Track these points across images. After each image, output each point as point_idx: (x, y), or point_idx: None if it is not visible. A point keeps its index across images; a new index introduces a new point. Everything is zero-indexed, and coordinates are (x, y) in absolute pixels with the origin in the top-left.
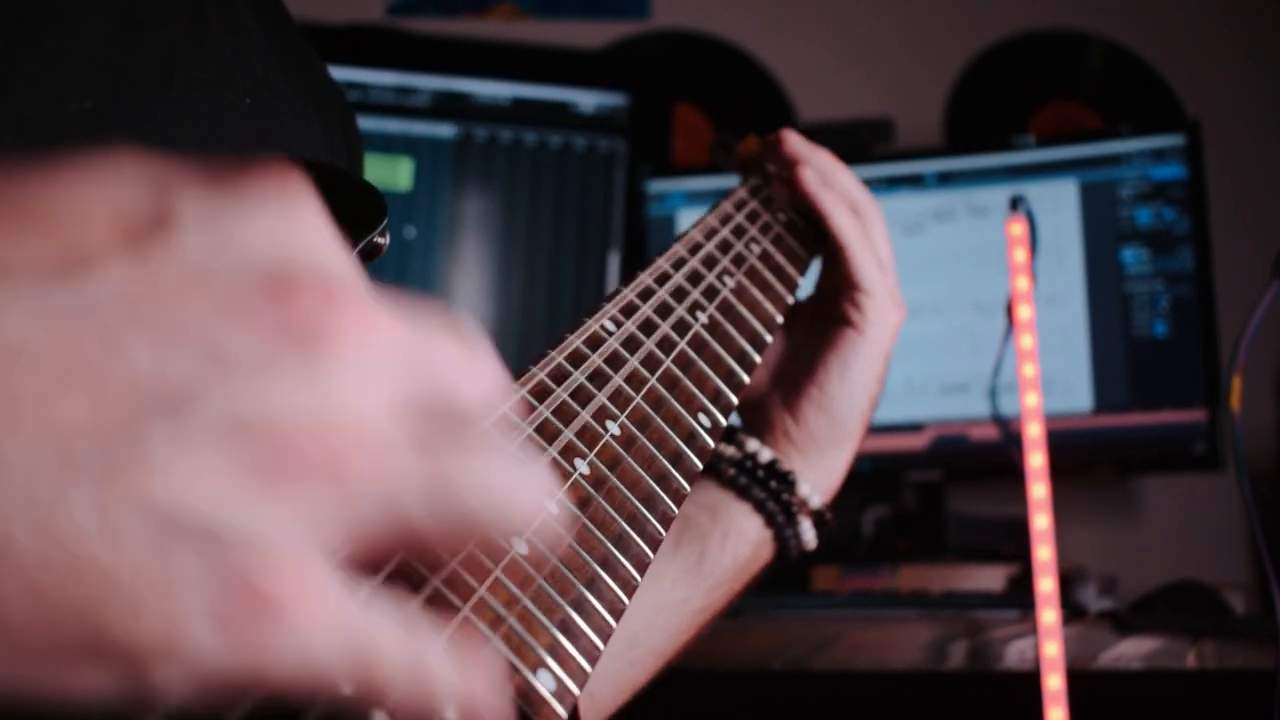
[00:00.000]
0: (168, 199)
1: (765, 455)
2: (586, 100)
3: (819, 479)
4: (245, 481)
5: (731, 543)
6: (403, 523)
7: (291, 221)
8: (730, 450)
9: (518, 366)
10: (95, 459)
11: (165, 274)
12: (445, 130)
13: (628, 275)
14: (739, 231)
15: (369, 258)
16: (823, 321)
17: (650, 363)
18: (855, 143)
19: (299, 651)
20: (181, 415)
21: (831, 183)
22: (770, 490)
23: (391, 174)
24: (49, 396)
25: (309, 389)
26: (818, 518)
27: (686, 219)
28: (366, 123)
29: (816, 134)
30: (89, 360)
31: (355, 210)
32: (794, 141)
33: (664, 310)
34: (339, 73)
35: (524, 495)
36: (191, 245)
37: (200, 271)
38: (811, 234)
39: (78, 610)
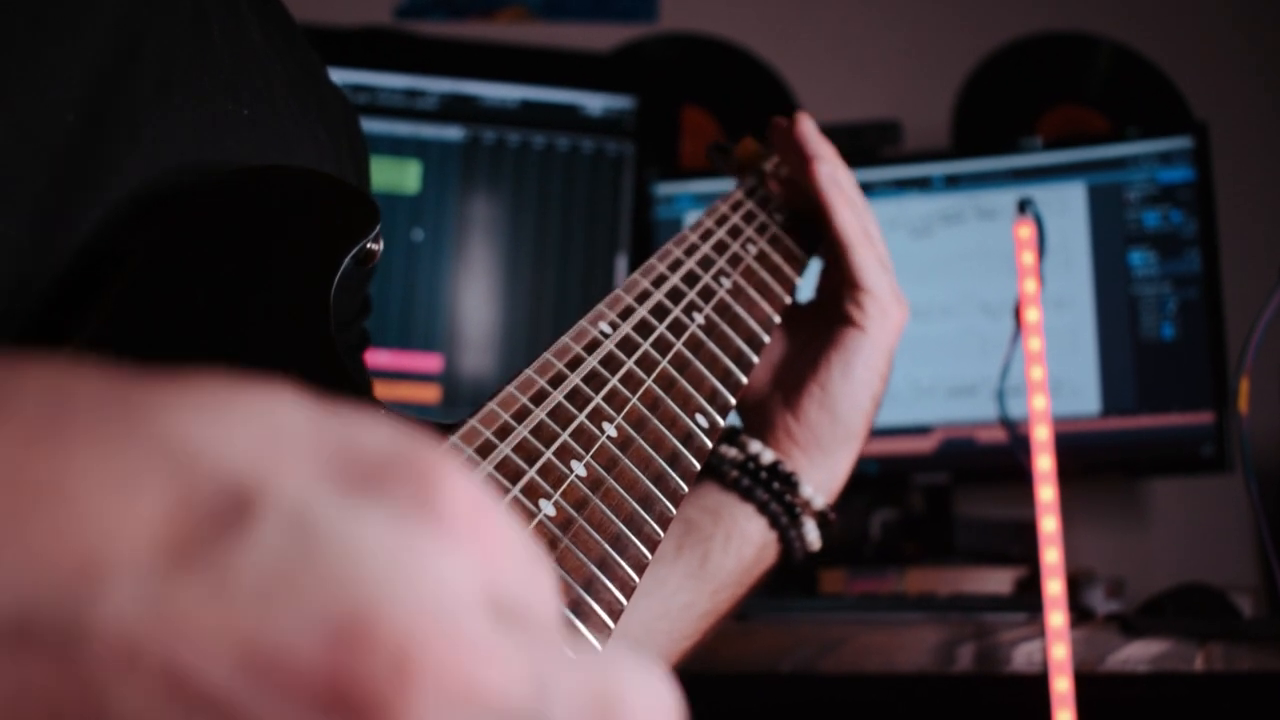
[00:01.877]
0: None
1: (768, 457)
2: (594, 103)
3: (822, 479)
4: None
5: (735, 545)
6: None
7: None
8: (732, 452)
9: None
10: None
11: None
12: (453, 133)
13: (626, 278)
14: (735, 232)
15: (363, 263)
16: (825, 321)
17: (646, 364)
18: (862, 145)
19: None
20: None
21: (840, 178)
22: (773, 492)
23: (400, 176)
24: None
25: None
26: (821, 519)
27: (694, 221)
28: (374, 125)
29: (824, 136)
30: None
31: (351, 217)
32: (808, 132)
33: (660, 312)
34: (347, 75)
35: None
36: (260, 557)
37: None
38: (809, 234)
39: None
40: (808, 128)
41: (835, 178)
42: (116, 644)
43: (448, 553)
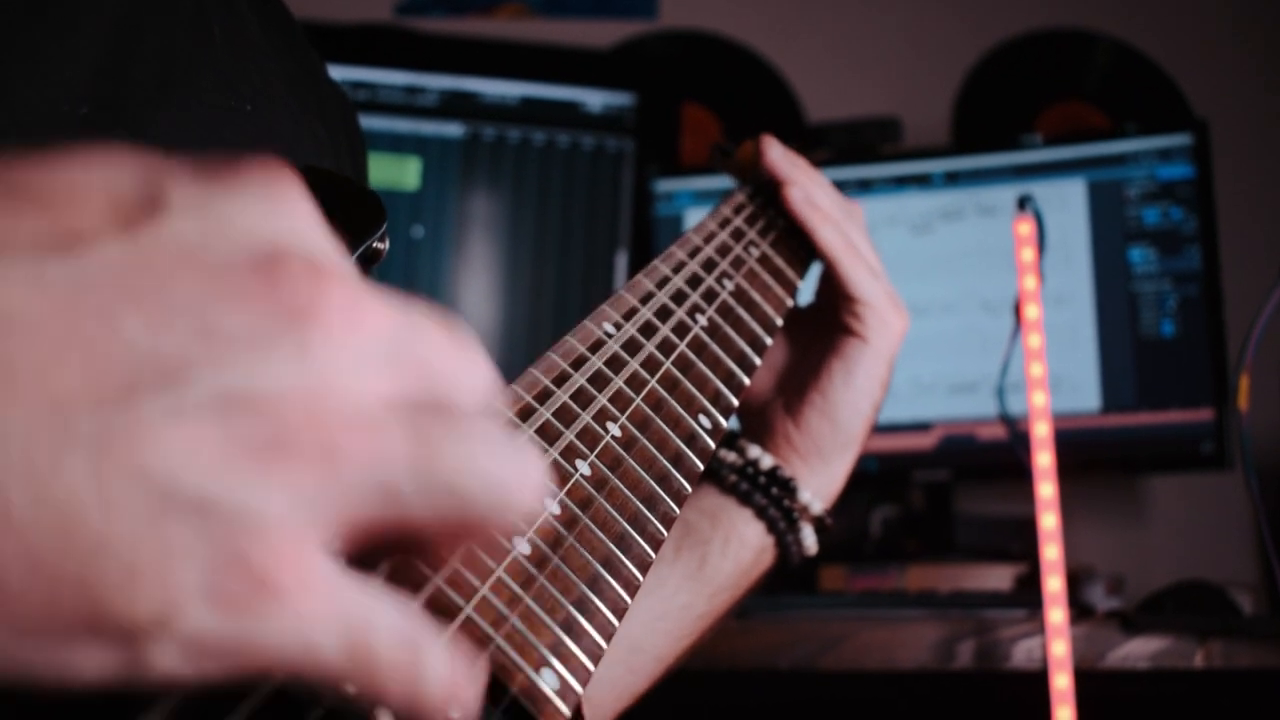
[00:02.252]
0: (159, 186)
1: (767, 462)
2: (594, 100)
3: (820, 485)
4: (239, 457)
5: (733, 549)
6: (396, 507)
7: (280, 207)
8: (731, 456)
9: (524, 365)
10: (91, 428)
11: (157, 254)
12: (453, 129)
13: (629, 279)
14: (738, 235)
15: (369, 262)
16: (825, 327)
17: (650, 365)
18: (862, 142)
19: (296, 632)
20: (175, 388)
21: (815, 198)
22: (771, 497)
23: (399, 173)
24: (45, 365)
25: (300, 368)
26: (819, 524)
27: (694, 218)
28: (374, 122)
29: (824, 133)
30: (84, 331)
31: (355, 215)
32: (775, 157)
33: (663, 313)
34: (347, 72)
35: (520, 478)
36: (183, 228)
37: (191, 252)
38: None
39: (75, 580)
40: (775, 153)
41: (810, 198)
42: (104, 297)
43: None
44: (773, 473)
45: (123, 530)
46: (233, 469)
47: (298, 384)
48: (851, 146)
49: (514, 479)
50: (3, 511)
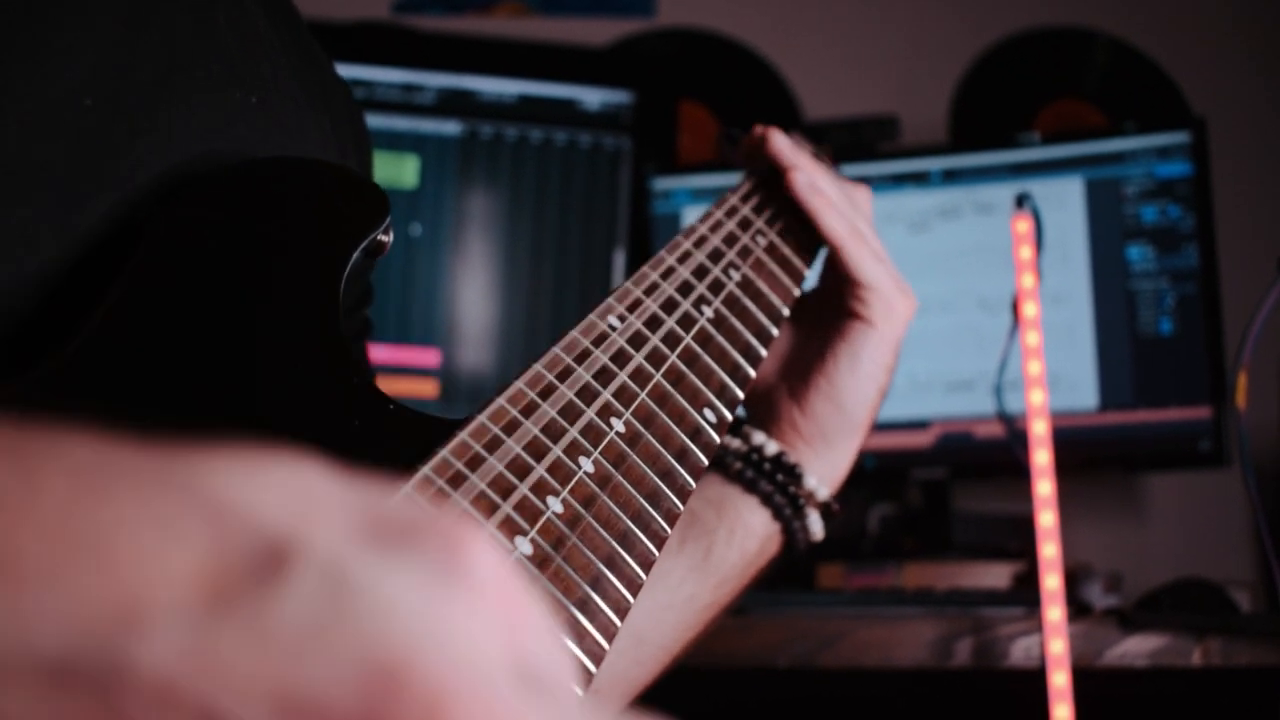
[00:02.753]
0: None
1: (772, 448)
2: (592, 98)
3: (826, 471)
4: None
5: (739, 538)
6: None
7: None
8: (736, 444)
9: (523, 363)
10: None
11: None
12: (451, 127)
13: (634, 270)
14: (745, 224)
15: (373, 255)
16: (830, 312)
17: (655, 359)
18: (860, 140)
19: None
20: None
21: (819, 184)
22: (777, 483)
23: (397, 171)
24: None
25: None
26: (825, 510)
27: (692, 216)
28: (372, 120)
29: (822, 131)
30: None
31: (359, 208)
32: (780, 144)
33: (669, 305)
34: (345, 70)
35: None
36: (296, 608)
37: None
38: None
39: None
40: (779, 141)
41: (814, 184)
42: (154, 686)
43: (476, 613)
44: (778, 459)
45: None
46: None
47: None
48: (849, 144)
49: None
50: None
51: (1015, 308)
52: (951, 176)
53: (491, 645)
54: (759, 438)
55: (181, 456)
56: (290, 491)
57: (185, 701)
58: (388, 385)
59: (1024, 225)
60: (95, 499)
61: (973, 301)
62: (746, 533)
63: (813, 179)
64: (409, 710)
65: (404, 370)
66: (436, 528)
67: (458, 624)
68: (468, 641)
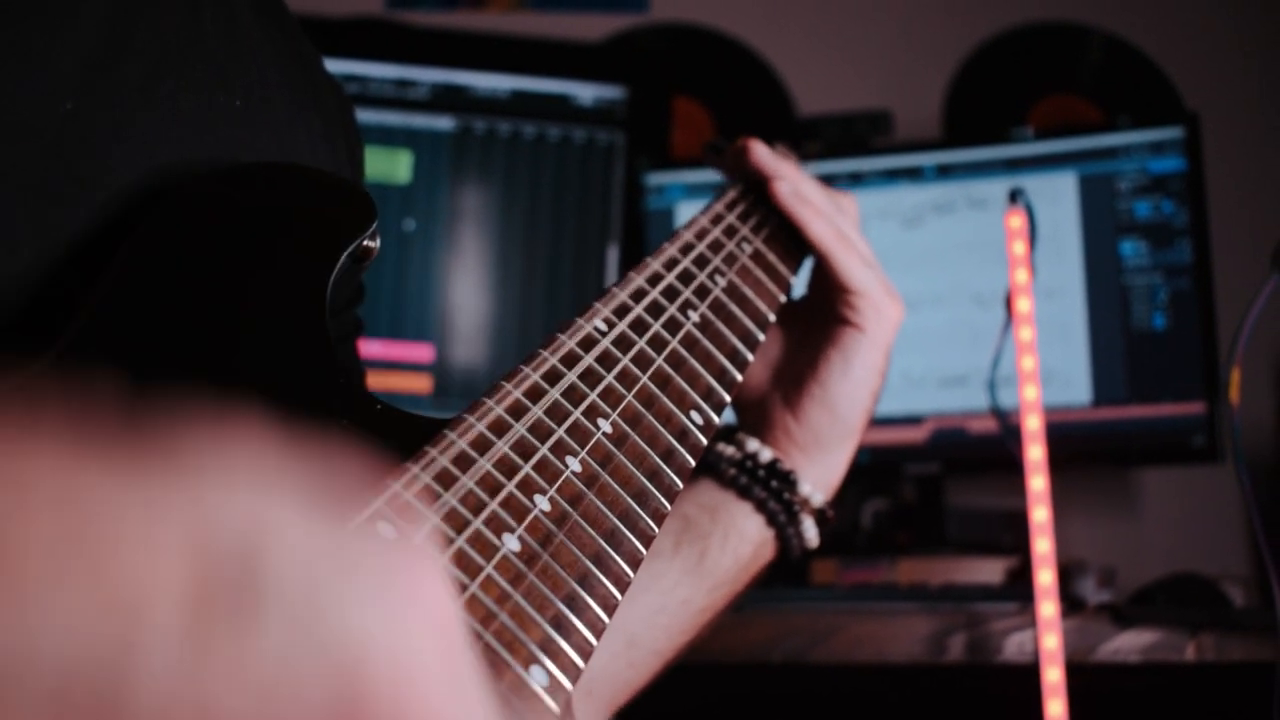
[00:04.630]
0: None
1: (766, 455)
2: (585, 93)
3: (820, 476)
4: None
5: (733, 543)
6: None
7: (398, 617)
8: (730, 450)
9: (516, 359)
10: None
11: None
12: (444, 123)
13: (621, 276)
14: (730, 231)
15: (360, 260)
16: (821, 318)
17: (642, 361)
18: (854, 135)
19: None
20: None
21: (804, 192)
22: (771, 490)
23: (391, 167)
24: None
25: None
26: (819, 516)
27: (685, 211)
28: (365, 115)
29: (815, 127)
30: None
31: (346, 213)
32: (761, 154)
33: (656, 310)
34: (338, 65)
35: None
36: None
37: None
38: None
39: None
40: (760, 151)
41: (798, 192)
42: (149, 713)
43: (419, 623)
44: (772, 465)
45: None
46: None
47: None
48: (843, 139)
49: None
50: None
51: (1009, 303)
52: (945, 172)
53: (433, 656)
54: (753, 444)
55: (153, 458)
56: (252, 496)
57: None
58: (381, 381)
59: (1017, 220)
60: (84, 514)
61: (966, 297)
62: (741, 538)
63: (797, 187)
64: None
65: (398, 366)
66: (383, 549)
67: (407, 643)
68: (419, 663)
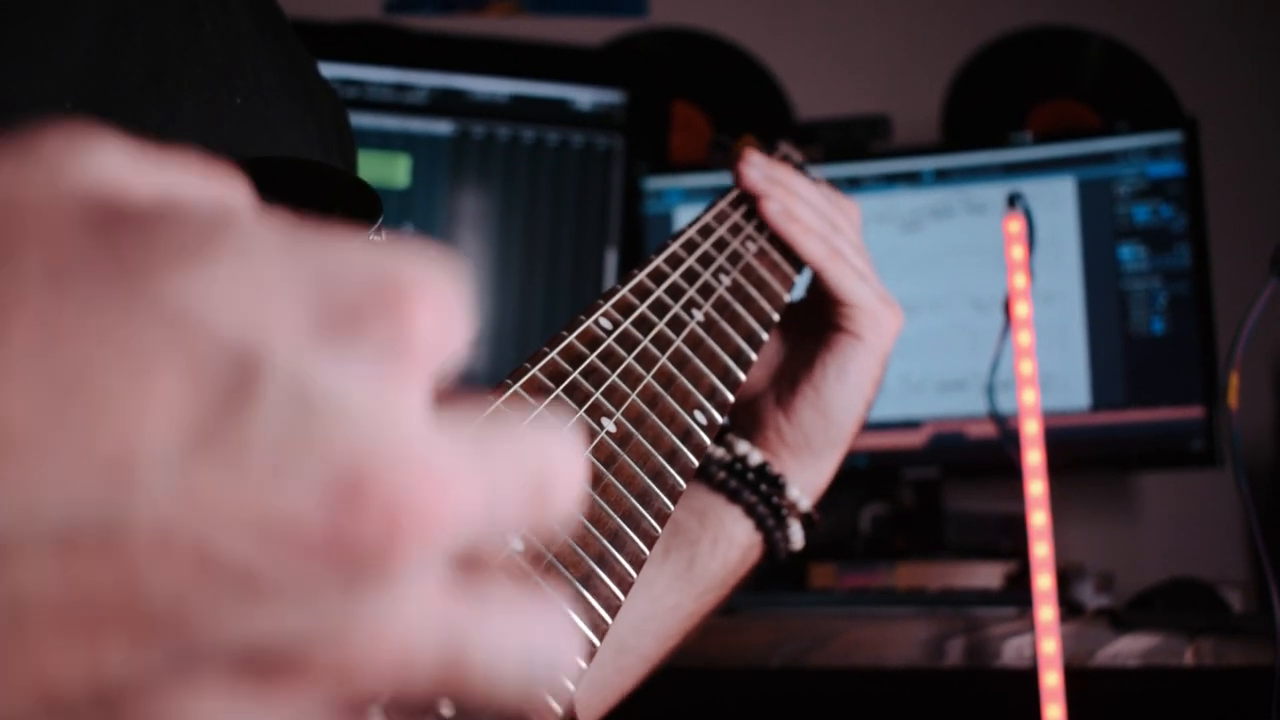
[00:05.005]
0: (256, 359)
1: (755, 458)
2: (584, 97)
3: (808, 481)
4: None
5: (721, 548)
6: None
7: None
8: (720, 452)
9: (514, 363)
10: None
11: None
12: (443, 127)
13: (624, 274)
14: (735, 230)
15: None
16: (818, 323)
17: (646, 360)
18: (852, 140)
19: None
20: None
21: (794, 210)
22: (761, 493)
23: (389, 171)
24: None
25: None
26: (806, 520)
27: (684, 216)
28: (363, 120)
29: (814, 131)
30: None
31: (350, 209)
32: (752, 174)
33: (660, 308)
34: (336, 70)
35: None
36: (266, 431)
37: (266, 474)
38: None
39: None
40: (751, 173)
41: (787, 210)
42: (152, 535)
43: (420, 394)
44: (761, 469)
45: None
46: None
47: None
48: (841, 144)
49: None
50: None
51: (1007, 307)
52: (943, 176)
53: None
54: (743, 447)
55: (129, 256)
56: (243, 283)
57: (182, 545)
58: None
59: (1016, 225)
60: (62, 339)
61: (965, 301)
62: (730, 543)
63: (786, 204)
64: (371, 520)
65: None
66: (385, 296)
67: (405, 416)
68: (417, 434)
